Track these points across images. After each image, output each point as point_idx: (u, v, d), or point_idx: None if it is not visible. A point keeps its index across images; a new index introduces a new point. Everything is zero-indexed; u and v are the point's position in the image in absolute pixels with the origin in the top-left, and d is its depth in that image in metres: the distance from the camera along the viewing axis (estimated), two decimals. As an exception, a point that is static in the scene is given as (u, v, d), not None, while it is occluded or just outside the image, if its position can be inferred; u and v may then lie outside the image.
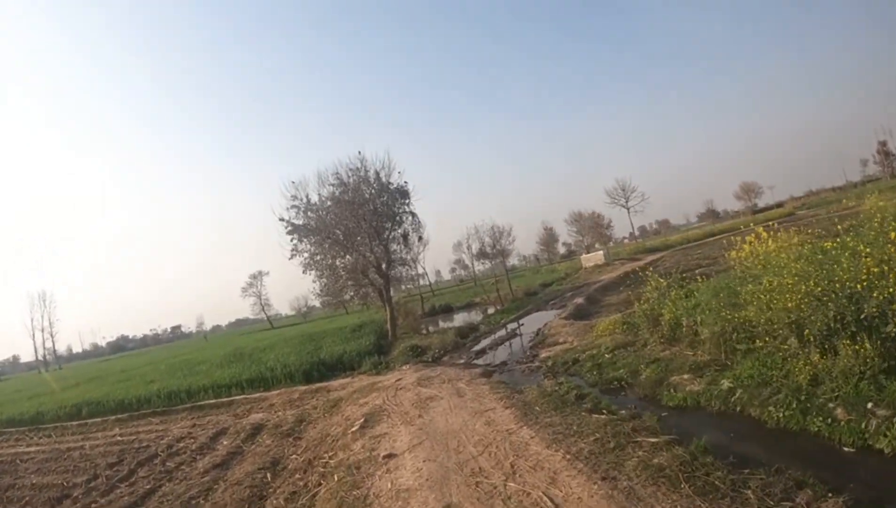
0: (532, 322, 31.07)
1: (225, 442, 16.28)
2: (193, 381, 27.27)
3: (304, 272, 33.47)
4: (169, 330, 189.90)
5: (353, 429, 13.47)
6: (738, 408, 9.87)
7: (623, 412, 10.75)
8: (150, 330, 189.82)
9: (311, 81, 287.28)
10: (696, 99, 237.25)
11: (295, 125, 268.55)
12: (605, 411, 10.87)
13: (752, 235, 15.57)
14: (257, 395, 22.72)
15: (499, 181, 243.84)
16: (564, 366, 16.20)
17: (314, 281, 34.64)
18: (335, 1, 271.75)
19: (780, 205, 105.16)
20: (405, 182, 34.39)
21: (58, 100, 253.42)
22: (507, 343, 25.04)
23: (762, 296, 10.95)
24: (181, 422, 20.71)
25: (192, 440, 17.24)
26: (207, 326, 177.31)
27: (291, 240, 32.57)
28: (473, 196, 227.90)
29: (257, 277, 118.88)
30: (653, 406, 11.25)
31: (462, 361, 22.46)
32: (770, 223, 16.85)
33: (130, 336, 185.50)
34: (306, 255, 33.02)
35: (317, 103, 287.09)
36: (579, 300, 32.51)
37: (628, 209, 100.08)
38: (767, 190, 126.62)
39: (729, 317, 12.01)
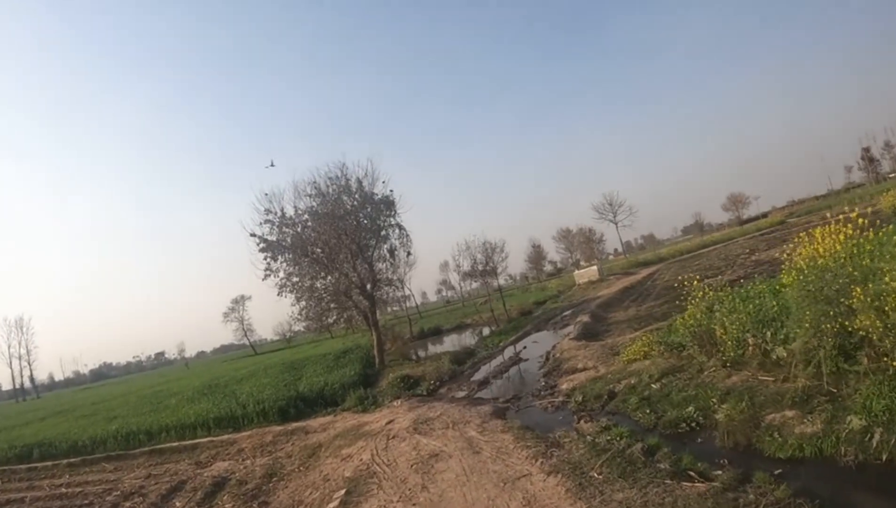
0: (535, 344, 27.94)
1: (178, 505, 13.67)
2: (157, 418, 24.17)
3: (279, 295, 29.97)
4: (153, 357, 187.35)
5: (332, 506, 9.97)
6: (885, 456, 6.89)
7: (720, 472, 7.59)
8: (134, 357, 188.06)
9: (289, 90, 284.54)
10: (679, 114, 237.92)
11: (276, 139, 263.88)
12: (695, 474, 7.58)
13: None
14: (225, 437, 19.87)
15: (481, 199, 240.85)
16: (598, 401, 12.90)
17: (293, 304, 31.21)
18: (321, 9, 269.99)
19: (765, 215, 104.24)
20: (391, 191, 31.28)
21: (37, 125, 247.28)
22: (512, 371, 21.77)
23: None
24: (136, 470, 18.29)
25: (141, 499, 14.74)
26: (190, 353, 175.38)
27: (265, 259, 29.14)
28: (454, 215, 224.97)
29: (239, 302, 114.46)
30: (755, 459, 8.11)
31: (463, 394, 19.18)
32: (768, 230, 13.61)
33: (114, 364, 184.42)
34: (282, 275, 29.70)
35: (296, 113, 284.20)
36: (584, 319, 29.43)
37: (616, 224, 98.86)
38: (752, 201, 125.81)
39: (831, 329, 8.85)
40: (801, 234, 13.42)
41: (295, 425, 19.37)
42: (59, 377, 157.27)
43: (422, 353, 38.60)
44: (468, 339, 42.42)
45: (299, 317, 32.75)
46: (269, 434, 18.72)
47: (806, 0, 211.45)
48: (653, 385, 12.33)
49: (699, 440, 9.51)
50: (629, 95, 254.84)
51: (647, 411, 10.99)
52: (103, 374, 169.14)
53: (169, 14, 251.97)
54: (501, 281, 51.80)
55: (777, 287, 13.33)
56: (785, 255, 14.58)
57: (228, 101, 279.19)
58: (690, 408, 10.27)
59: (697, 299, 13.65)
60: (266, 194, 28.88)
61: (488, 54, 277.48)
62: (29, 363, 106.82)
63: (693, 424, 9.94)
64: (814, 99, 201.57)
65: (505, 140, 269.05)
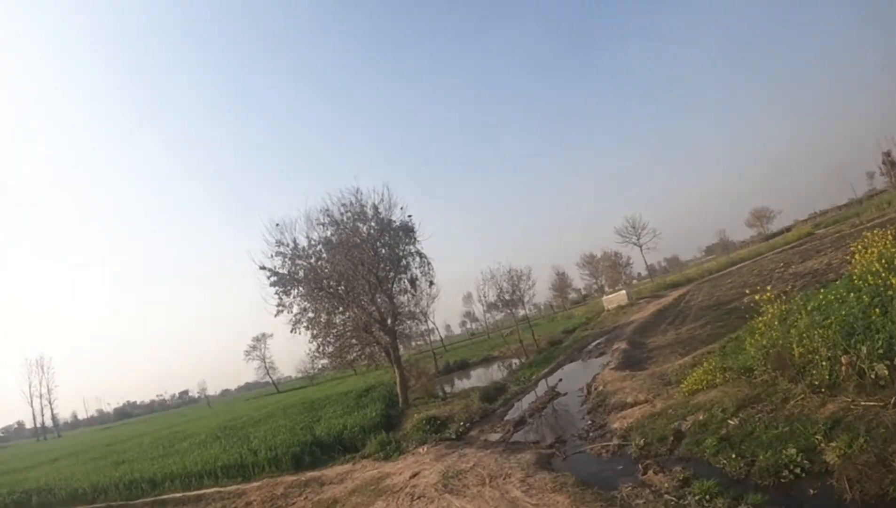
0: (571, 376, 25.78)
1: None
2: (164, 465, 22.62)
3: (292, 331, 28.15)
4: (176, 395, 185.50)
5: None
6: None
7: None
8: (157, 396, 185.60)
9: (304, 123, 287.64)
10: (695, 132, 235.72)
11: (295, 178, 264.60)
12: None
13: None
14: (233, 488, 18.38)
15: (502, 229, 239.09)
16: (664, 443, 10.71)
17: (310, 342, 29.17)
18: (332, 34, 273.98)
19: (788, 229, 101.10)
20: (409, 217, 29.48)
21: (62, 164, 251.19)
22: (550, 408, 19.58)
23: None
24: (132, 528, 16.82)
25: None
26: (214, 391, 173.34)
27: (276, 293, 27.40)
28: (475, 245, 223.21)
29: (260, 339, 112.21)
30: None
31: (497, 436, 17.09)
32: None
33: (138, 402, 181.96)
34: (296, 310, 27.86)
35: (310, 146, 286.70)
36: (622, 346, 27.28)
37: (640, 247, 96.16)
38: (776, 215, 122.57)
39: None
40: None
41: (309, 474, 17.72)
42: (82, 415, 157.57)
43: (448, 388, 36.86)
44: (497, 373, 40.30)
45: (317, 354, 30.74)
46: (280, 486, 17.16)
47: (814, 7, 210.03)
48: (730, 422, 10.18)
49: (812, 490, 7.40)
50: (643, 117, 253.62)
51: (733, 455, 8.83)
52: (127, 413, 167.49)
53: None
54: (527, 311, 49.68)
55: (854, 295, 11.27)
56: (856, 256, 12.76)
57: (260, 137, 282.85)
58: (791, 449, 8.14)
59: (770, 314, 11.58)
60: (277, 225, 27.20)
61: (503, 79, 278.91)
62: (50, 402, 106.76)
63: (798, 470, 7.83)
64: (829, 108, 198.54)
65: (523, 168, 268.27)
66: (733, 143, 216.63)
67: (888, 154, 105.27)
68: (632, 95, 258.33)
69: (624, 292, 62.26)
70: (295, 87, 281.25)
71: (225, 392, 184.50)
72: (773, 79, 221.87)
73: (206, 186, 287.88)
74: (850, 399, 9.02)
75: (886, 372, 8.83)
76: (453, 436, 18.40)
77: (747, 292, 13.39)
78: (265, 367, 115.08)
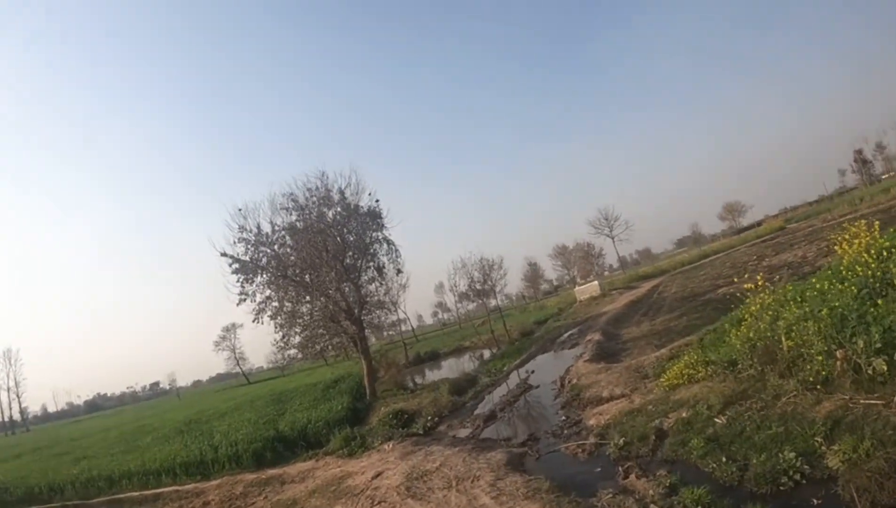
0: (544, 368, 25.03)
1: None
2: (123, 462, 21.74)
3: (254, 321, 26.83)
4: (147, 387, 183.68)
5: None
6: None
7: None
8: (128, 388, 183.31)
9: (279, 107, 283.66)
10: (667, 127, 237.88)
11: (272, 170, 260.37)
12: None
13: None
14: (192, 486, 17.58)
15: (476, 220, 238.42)
16: (645, 443, 9.86)
17: (275, 331, 27.89)
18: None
19: (759, 224, 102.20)
20: (377, 202, 28.33)
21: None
22: (522, 401, 18.75)
23: None
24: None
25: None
26: (186, 382, 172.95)
27: (238, 281, 26.03)
28: (448, 236, 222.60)
29: (230, 329, 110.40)
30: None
31: (467, 432, 16.24)
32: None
33: (109, 394, 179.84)
34: (259, 299, 26.56)
35: (279, 135, 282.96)
36: (596, 337, 26.54)
37: (613, 239, 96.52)
38: (748, 210, 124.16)
39: None
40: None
41: (271, 472, 16.92)
42: (52, 408, 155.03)
43: (418, 379, 36.11)
44: (468, 364, 39.57)
45: (282, 345, 29.48)
46: (240, 484, 16.34)
47: (792, 7, 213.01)
48: (716, 420, 9.38)
49: (816, 500, 6.60)
50: (619, 110, 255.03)
51: (723, 458, 7.99)
52: (97, 405, 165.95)
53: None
54: (498, 301, 48.94)
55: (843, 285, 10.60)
56: (844, 246, 12.18)
57: (226, 127, 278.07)
58: (789, 453, 7.34)
59: (758, 304, 10.81)
60: (240, 210, 25.84)
61: (483, 70, 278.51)
62: (18, 396, 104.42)
63: (797, 476, 7.03)
64: (803, 106, 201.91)
65: (499, 159, 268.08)
66: (707, 138, 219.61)
67: (860, 152, 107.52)
68: (607, 89, 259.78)
69: (596, 283, 61.81)
70: (267, 74, 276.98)
71: (197, 383, 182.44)
72: (747, 77, 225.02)
73: (178, 168, 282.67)
74: (847, 397, 8.29)
75: (885, 368, 8.14)
76: (420, 432, 17.57)
77: (735, 280, 12.60)
78: (235, 358, 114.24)
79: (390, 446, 15.90)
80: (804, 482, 6.97)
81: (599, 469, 9.68)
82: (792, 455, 7.26)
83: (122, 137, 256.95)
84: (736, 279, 21.52)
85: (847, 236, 12.68)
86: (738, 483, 7.46)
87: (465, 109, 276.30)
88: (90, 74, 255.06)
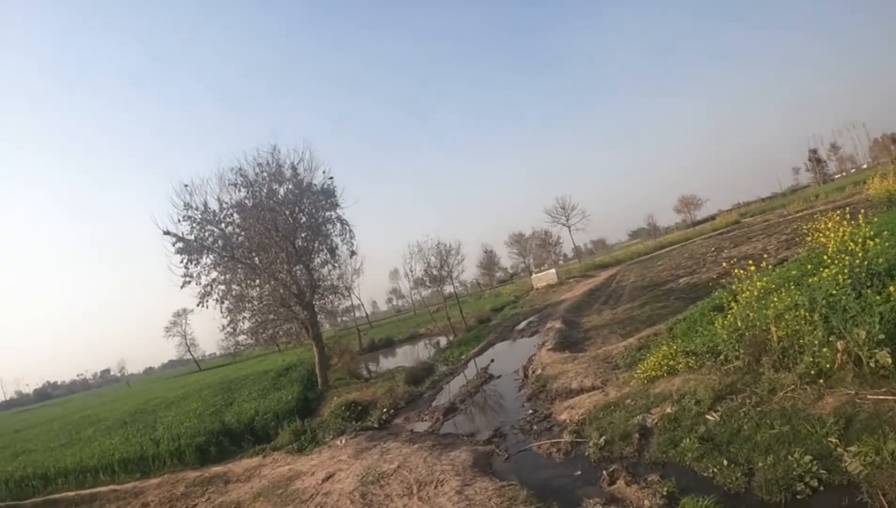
0: (504, 357, 24.08)
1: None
2: (60, 458, 20.23)
3: (199, 305, 25.03)
4: (98, 374, 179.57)
5: None
6: None
7: None
8: (78, 375, 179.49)
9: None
10: (622, 119, 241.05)
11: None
12: None
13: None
14: (130, 486, 16.27)
15: (432, 206, 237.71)
16: (628, 442, 8.85)
17: (223, 316, 26.11)
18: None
19: (713, 218, 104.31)
20: (331, 179, 26.85)
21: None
22: (483, 392, 17.70)
23: None
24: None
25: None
26: (137, 369, 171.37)
27: (181, 262, 24.18)
28: (404, 221, 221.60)
29: (181, 315, 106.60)
30: None
31: (426, 426, 15.14)
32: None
33: (59, 382, 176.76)
34: (204, 282, 24.77)
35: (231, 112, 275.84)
36: (557, 325, 25.80)
37: (569, 228, 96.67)
38: (703, 203, 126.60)
39: None
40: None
41: (215, 469, 15.74)
42: (0, 398, 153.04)
43: (373, 367, 35.16)
44: (424, 351, 38.61)
45: (230, 331, 27.68)
46: (181, 483, 15.24)
47: (751, 5, 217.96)
48: (708, 417, 8.46)
49: (838, 512, 5.72)
50: (576, 102, 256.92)
51: (724, 462, 7.03)
52: (47, 394, 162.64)
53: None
54: (454, 288, 47.91)
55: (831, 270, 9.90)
56: (829, 235, 11.54)
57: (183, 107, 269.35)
58: (804, 456, 6.42)
59: (748, 291, 9.93)
60: (186, 186, 23.94)
61: (439, 58, 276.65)
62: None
63: (815, 482, 6.11)
64: (759, 105, 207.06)
65: (455, 146, 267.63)
66: (663, 132, 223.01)
67: (815, 152, 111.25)
68: (567, 80, 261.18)
69: (553, 271, 61.51)
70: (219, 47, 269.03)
71: (148, 370, 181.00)
72: (704, 75, 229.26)
73: (122, 145, 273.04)
74: (852, 392, 7.47)
75: (890, 360, 7.38)
76: (376, 425, 16.45)
77: (724, 264, 11.75)
78: (186, 344, 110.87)
79: (343, 441, 14.73)
80: (822, 488, 6.05)
81: (579, 473, 8.60)
82: (807, 458, 6.34)
83: (60, 110, 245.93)
84: (694, 271, 21.10)
85: (828, 225, 12.12)
86: (746, 491, 6.48)
87: (420, 97, 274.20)
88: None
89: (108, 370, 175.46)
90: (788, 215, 54.24)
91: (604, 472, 8.05)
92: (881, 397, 7.10)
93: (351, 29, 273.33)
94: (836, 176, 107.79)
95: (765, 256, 26.45)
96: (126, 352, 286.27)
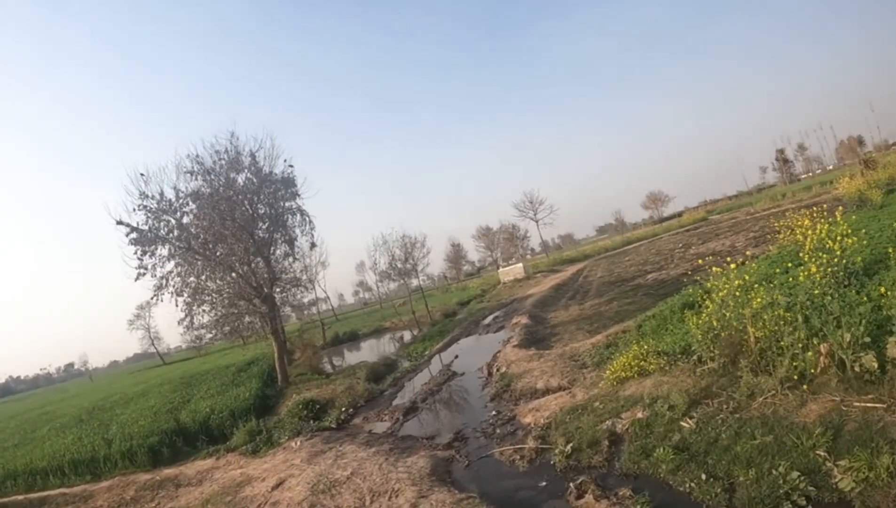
0: (468, 353, 23.48)
1: None
2: (10, 459, 19.36)
3: (153, 299, 23.79)
4: (62, 369, 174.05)
5: None
6: None
7: None
8: (42, 370, 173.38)
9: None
10: (596, 116, 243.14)
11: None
12: None
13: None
14: (80, 489, 15.39)
15: (399, 198, 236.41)
16: (597, 450, 8.23)
17: (182, 310, 24.70)
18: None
19: (679, 215, 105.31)
20: (291, 167, 25.83)
21: None
22: (445, 390, 17.02)
23: None
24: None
25: None
26: (102, 363, 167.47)
27: (135, 253, 22.86)
28: (368, 214, 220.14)
29: (145, 308, 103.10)
30: None
31: (385, 426, 14.44)
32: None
33: (22, 377, 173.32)
34: (159, 274, 23.48)
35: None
36: (523, 320, 25.27)
37: (537, 222, 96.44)
38: (671, 200, 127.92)
39: None
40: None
41: (167, 472, 15.08)
42: None
43: (337, 361, 34.31)
44: (388, 345, 37.82)
45: (188, 324, 26.37)
46: (132, 487, 14.42)
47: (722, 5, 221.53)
48: (683, 424, 7.89)
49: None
50: (545, 99, 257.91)
51: (702, 475, 6.44)
52: (9, 389, 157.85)
53: None
54: (420, 281, 47.17)
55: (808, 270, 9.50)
56: (808, 232, 11.14)
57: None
58: (790, 471, 5.85)
59: (724, 289, 9.34)
60: (142, 175, 22.66)
61: (412, 52, 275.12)
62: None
63: (802, 500, 5.55)
64: (727, 104, 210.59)
65: (426, 140, 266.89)
66: (632, 128, 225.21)
67: (782, 152, 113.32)
68: (538, 76, 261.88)
69: (521, 265, 61.07)
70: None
71: (113, 364, 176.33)
72: (674, 74, 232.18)
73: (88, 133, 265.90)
74: (838, 398, 6.95)
75: (875, 365, 6.87)
76: (333, 426, 15.78)
77: (700, 261, 11.20)
78: (150, 337, 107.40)
79: (298, 443, 13.97)
80: (810, 507, 5.48)
81: (545, 483, 7.96)
82: (795, 474, 5.77)
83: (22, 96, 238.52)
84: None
85: (804, 223, 11.77)
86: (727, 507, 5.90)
87: (388, 91, 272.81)
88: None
89: (71, 365, 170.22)
90: (756, 212, 54.66)
91: (571, 484, 7.42)
92: (869, 404, 6.59)
93: (323, 20, 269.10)
94: (803, 176, 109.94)
95: (733, 253, 26.34)
96: (91, 346, 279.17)
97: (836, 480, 5.60)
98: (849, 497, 5.39)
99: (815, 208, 12.94)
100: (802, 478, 5.73)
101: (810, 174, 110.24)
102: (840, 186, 28.99)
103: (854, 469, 5.54)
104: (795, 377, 7.52)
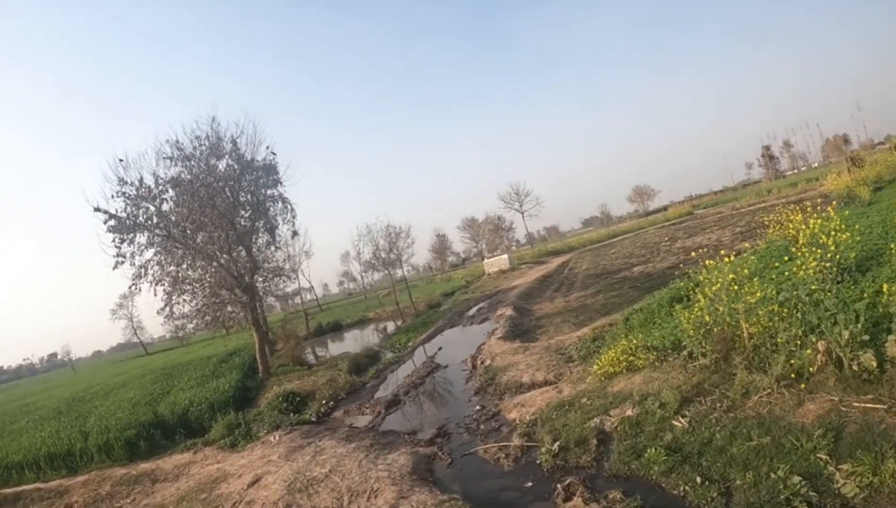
0: (452, 344, 23.18)
1: None
2: None
3: (132, 288, 23.25)
4: (45, 359, 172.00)
5: None
6: None
7: None
8: (25, 360, 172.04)
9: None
10: (580, 110, 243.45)
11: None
12: None
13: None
14: (56, 484, 14.98)
15: (385, 189, 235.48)
16: (584, 449, 7.92)
17: (162, 300, 24.08)
18: None
19: (665, 209, 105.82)
20: (273, 154, 25.22)
21: None
22: (428, 383, 16.69)
23: None
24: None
25: None
26: (86, 352, 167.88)
27: (113, 241, 22.21)
28: (357, 203, 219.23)
29: (127, 297, 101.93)
30: None
31: (366, 420, 14.11)
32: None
33: (5, 367, 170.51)
34: (137, 262, 22.85)
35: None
36: (508, 312, 24.99)
37: (522, 214, 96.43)
38: (657, 194, 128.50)
39: None
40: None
41: (143, 466, 14.66)
42: None
43: (321, 352, 33.95)
44: (371, 336, 37.45)
45: (168, 314, 25.69)
46: (107, 482, 13.99)
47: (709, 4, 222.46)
48: (674, 423, 7.60)
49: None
50: (534, 93, 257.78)
51: (696, 478, 6.14)
52: None
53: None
54: (405, 272, 46.81)
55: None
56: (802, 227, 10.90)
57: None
58: (790, 475, 5.56)
59: (718, 283, 9.00)
60: (121, 160, 22.04)
61: (397, 42, 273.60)
62: None
63: (804, 506, 5.22)
64: (715, 100, 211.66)
65: (414, 130, 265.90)
66: (619, 122, 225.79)
67: (768, 148, 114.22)
68: (526, 65, 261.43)
69: (505, 256, 60.93)
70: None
71: (97, 354, 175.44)
72: (663, 67, 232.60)
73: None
74: (836, 398, 6.65)
75: (874, 364, 6.58)
76: (313, 419, 15.39)
77: (693, 254, 10.90)
78: (132, 327, 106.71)
79: (276, 437, 13.57)
80: (814, 514, 5.19)
81: (531, 484, 7.62)
82: (796, 479, 5.46)
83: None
84: (648, 259, 20.57)
85: (796, 218, 11.56)
86: (721, 515, 5.59)
87: (374, 81, 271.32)
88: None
89: (55, 355, 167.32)
90: (741, 208, 54.84)
91: (558, 485, 7.08)
92: (869, 405, 6.30)
93: (305, 9, 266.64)
94: (788, 173, 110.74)
95: (720, 248, 26.21)
96: (74, 335, 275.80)
97: (839, 485, 5.31)
98: (852, 503, 5.10)
99: (807, 204, 12.73)
100: (804, 483, 5.43)
101: (795, 171, 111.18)
102: (828, 183, 28.92)
103: (857, 474, 5.25)
104: (792, 376, 7.24)
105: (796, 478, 5.48)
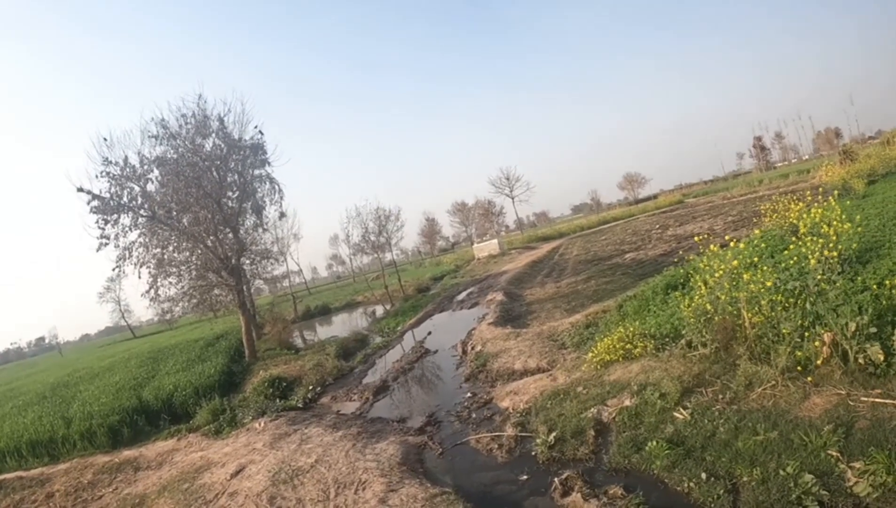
0: (442, 329, 22.86)
1: None
2: None
3: (115, 271, 22.68)
4: (33, 342, 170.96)
5: None
6: None
7: None
8: (12, 344, 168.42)
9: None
10: (573, 97, 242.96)
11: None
12: None
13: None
14: (38, 472, 14.52)
15: (376, 171, 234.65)
16: (581, 441, 7.65)
17: (147, 282, 23.46)
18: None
19: (655, 197, 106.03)
20: (261, 134, 24.57)
21: None
22: (418, 368, 16.40)
23: None
24: None
25: None
26: (74, 336, 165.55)
27: (96, 222, 21.59)
28: (348, 186, 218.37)
29: (115, 280, 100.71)
30: None
31: (354, 407, 13.80)
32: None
33: None
34: (121, 244, 22.23)
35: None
36: (498, 297, 24.77)
37: (513, 199, 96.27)
38: (647, 182, 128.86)
39: None
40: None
41: (126, 453, 14.27)
42: None
43: (309, 335, 33.66)
44: (360, 320, 37.10)
45: (152, 297, 25.12)
46: (89, 470, 13.57)
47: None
48: (676, 415, 7.32)
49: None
50: (527, 77, 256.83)
51: (701, 474, 5.84)
52: None
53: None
54: (394, 255, 46.45)
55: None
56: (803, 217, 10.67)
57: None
58: (801, 473, 5.29)
59: (720, 270, 8.71)
60: (105, 140, 21.38)
61: (392, 24, 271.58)
62: None
63: (815, 505, 4.95)
64: (707, 90, 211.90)
65: (404, 111, 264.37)
66: (612, 109, 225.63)
67: (759, 139, 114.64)
68: (519, 52, 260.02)
69: (496, 241, 60.60)
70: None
71: (85, 338, 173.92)
72: (654, 58, 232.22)
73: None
74: (843, 392, 6.39)
75: (882, 357, 6.34)
76: (300, 405, 15.04)
77: (696, 239, 10.57)
78: (120, 310, 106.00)
79: (262, 424, 13.22)
80: (831, 522, 4.92)
81: (526, 477, 7.32)
82: (808, 477, 5.19)
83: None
84: (639, 246, 20.41)
85: (796, 207, 11.34)
86: (730, 511, 5.33)
87: (366, 62, 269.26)
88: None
89: (42, 338, 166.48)
90: (732, 197, 54.97)
91: (555, 479, 6.75)
92: (877, 399, 6.04)
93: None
94: (779, 164, 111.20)
95: (713, 236, 26.07)
96: (63, 319, 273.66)
97: (851, 484, 5.05)
98: (865, 502, 4.84)
99: (807, 193, 12.51)
100: (815, 482, 5.17)
101: (786, 163, 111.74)
102: (822, 174, 28.83)
103: (870, 473, 4.99)
104: (798, 368, 6.98)
105: (808, 476, 5.20)
